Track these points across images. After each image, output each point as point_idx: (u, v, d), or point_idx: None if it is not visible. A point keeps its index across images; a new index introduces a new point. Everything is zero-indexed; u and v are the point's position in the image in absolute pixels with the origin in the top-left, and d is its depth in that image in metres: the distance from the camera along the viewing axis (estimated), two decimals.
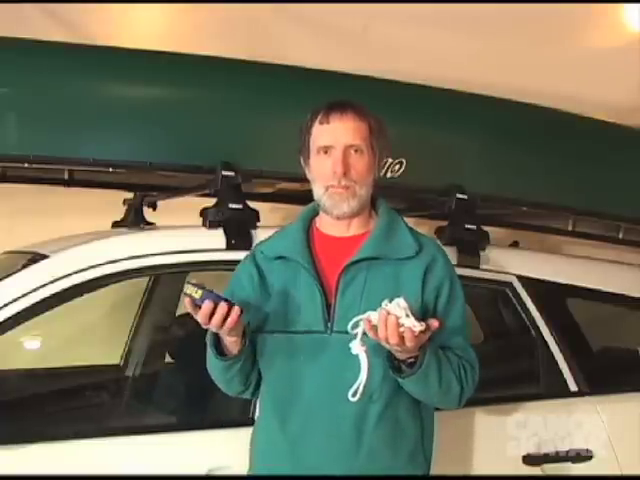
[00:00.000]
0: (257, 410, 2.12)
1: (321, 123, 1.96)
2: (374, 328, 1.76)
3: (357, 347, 1.80)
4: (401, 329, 1.73)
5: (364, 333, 1.79)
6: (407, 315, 1.74)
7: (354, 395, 1.82)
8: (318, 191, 1.98)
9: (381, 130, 2.00)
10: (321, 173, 1.97)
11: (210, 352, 1.96)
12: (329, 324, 1.93)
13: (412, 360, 1.83)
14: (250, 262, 2.05)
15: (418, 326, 1.74)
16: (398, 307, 1.74)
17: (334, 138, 1.94)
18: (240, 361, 1.95)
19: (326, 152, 1.95)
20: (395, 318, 1.73)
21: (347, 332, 1.85)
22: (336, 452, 1.92)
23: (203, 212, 2.45)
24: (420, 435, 2.00)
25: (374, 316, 1.77)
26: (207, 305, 1.78)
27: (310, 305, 1.95)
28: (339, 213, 1.97)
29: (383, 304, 1.76)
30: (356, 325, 1.80)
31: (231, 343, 1.91)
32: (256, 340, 1.98)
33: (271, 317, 1.97)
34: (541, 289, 2.71)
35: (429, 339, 1.81)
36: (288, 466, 1.94)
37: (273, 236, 2.09)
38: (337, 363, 1.90)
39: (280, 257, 2.01)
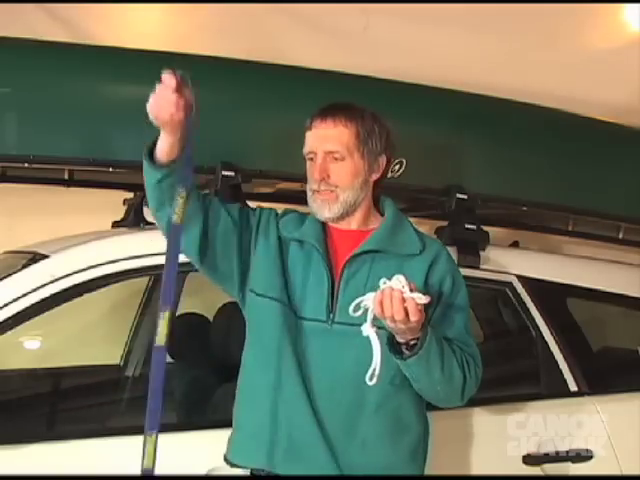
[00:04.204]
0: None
1: (308, 129, 2.02)
2: (381, 305, 1.75)
3: (367, 329, 1.79)
4: (405, 304, 1.73)
5: (374, 317, 1.77)
6: (411, 290, 1.75)
7: (371, 379, 1.79)
8: (308, 194, 2.03)
9: (373, 132, 2.01)
10: (309, 177, 2.03)
11: (145, 163, 1.91)
12: (331, 315, 1.95)
13: (414, 342, 1.83)
14: (274, 227, 2.05)
15: (423, 298, 1.74)
16: (399, 282, 1.75)
17: (315, 145, 2.00)
18: (171, 175, 1.88)
19: (312, 158, 2.01)
20: (400, 293, 1.74)
21: (348, 324, 1.88)
22: (324, 435, 1.91)
23: None
24: (423, 433, 2.01)
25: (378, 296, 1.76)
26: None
27: (317, 290, 1.97)
28: (321, 217, 2.01)
29: (381, 283, 1.76)
30: (357, 308, 1.79)
31: (167, 147, 1.87)
32: (254, 300, 1.99)
33: (276, 286, 1.97)
34: (541, 289, 2.71)
35: (428, 322, 1.82)
36: (268, 436, 1.94)
37: (293, 217, 2.08)
38: (336, 353, 1.93)
39: (297, 240, 2.03)
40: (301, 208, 2.13)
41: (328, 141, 1.98)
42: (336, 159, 1.97)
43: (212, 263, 2.01)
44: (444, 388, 1.92)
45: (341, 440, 1.92)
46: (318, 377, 1.94)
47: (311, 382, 1.94)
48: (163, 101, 1.80)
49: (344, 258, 1.99)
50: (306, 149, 2.02)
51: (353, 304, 1.80)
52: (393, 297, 1.74)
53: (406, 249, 2.00)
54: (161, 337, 1.78)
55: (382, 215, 2.09)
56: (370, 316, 1.79)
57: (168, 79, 1.80)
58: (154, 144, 1.90)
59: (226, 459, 2.05)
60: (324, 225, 2.05)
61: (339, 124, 1.98)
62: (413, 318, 1.75)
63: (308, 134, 2.02)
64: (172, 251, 1.85)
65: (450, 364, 1.89)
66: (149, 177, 1.93)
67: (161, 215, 1.95)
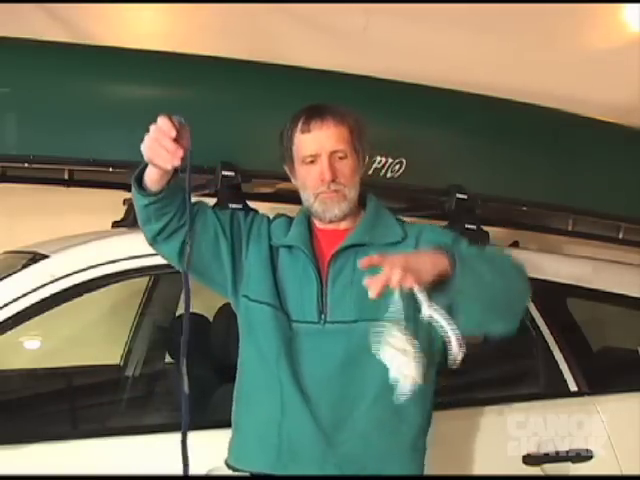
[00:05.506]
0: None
1: (302, 132, 1.99)
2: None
3: (427, 309, 1.66)
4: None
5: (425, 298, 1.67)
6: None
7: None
8: (308, 199, 2.01)
9: (361, 129, 2.02)
10: (310, 181, 1.99)
11: (133, 188, 1.93)
12: (323, 315, 1.95)
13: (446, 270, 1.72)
14: (266, 234, 2.05)
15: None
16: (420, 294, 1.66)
17: (318, 146, 1.97)
18: (159, 202, 1.89)
19: (312, 161, 1.98)
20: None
21: (340, 322, 1.90)
22: (321, 430, 1.91)
23: None
24: (424, 425, 2.00)
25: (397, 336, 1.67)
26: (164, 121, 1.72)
27: (306, 292, 1.97)
28: (331, 216, 2.00)
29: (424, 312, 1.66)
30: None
31: (156, 177, 1.87)
32: (248, 305, 1.99)
33: (269, 292, 1.97)
34: (541, 289, 2.71)
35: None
36: (269, 440, 1.94)
37: (281, 223, 2.08)
38: (332, 353, 1.92)
39: (285, 246, 2.03)
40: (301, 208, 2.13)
41: (332, 141, 1.96)
42: (340, 158, 1.97)
43: (202, 270, 2.01)
44: (501, 285, 1.79)
45: (339, 431, 1.91)
46: (313, 375, 1.93)
47: (306, 381, 1.93)
48: (161, 149, 1.74)
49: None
50: (305, 152, 1.98)
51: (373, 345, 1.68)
52: (379, 280, 1.63)
53: (387, 238, 2.00)
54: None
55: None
56: (421, 298, 1.66)
57: (166, 126, 1.71)
58: (143, 169, 1.89)
59: (228, 464, 2.04)
60: (310, 227, 2.05)
61: (338, 123, 1.97)
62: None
63: (305, 137, 1.98)
64: (186, 298, 1.79)
65: (493, 260, 1.84)
66: (137, 200, 1.95)
67: (147, 229, 2.00)
